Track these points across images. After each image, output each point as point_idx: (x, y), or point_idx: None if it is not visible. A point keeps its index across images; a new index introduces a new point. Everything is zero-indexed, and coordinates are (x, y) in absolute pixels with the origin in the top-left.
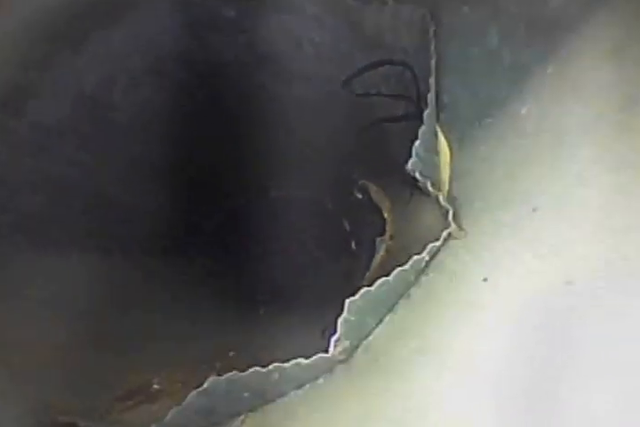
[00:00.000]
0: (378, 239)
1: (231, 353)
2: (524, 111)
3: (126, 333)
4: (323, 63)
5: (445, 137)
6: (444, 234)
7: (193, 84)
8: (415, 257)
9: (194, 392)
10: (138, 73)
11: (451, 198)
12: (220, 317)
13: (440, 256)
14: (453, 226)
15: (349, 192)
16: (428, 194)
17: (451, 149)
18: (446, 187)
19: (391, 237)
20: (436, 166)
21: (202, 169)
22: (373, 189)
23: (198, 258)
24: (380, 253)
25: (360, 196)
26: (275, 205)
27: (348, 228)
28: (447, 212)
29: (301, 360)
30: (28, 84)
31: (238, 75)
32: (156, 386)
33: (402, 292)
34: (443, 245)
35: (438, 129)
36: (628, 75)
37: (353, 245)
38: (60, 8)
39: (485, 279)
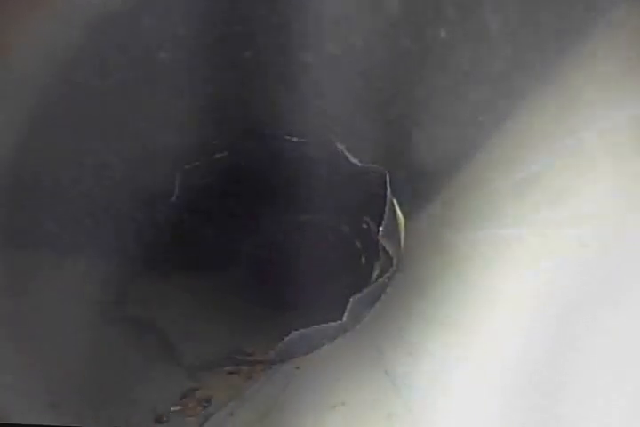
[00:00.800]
0: (375, 262)
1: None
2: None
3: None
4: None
5: (400, 210)
6: (392, 269)
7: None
8: (380, 279)
9: (287, 337)
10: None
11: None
12: (253, 320)
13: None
14: (394, 267)
15: (360, 221)
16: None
17: (405, 217)
18: (401, 243)
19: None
20: (395, 232)
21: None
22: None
23: (235, 272)
24: (376, 272)
25: (366, 226)
26: (302, 227)
27: (359, 246)
28: (392, 259)
29: (332, 324)
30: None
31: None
32: (247, 350)
33: (379, 294)
34: (395, 271)
35: (396, 205)
36: None
37: (363, 260)
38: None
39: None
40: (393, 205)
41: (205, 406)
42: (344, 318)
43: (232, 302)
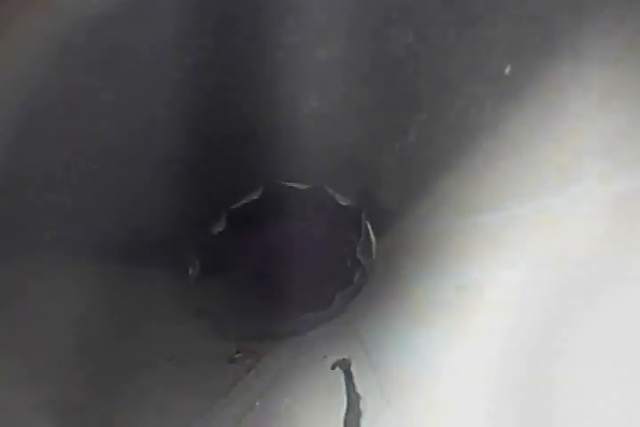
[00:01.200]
0: (355, 267)
1: None
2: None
3: None
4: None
5: (372, 231)
6: (365, 276)
7: None
8: (359, 280)
9: (295, 320)
10: None
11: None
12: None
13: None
14: (367, 275)
15: (346, 233)
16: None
17: (377, 240)
18: (373, 257)
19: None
20: (369, 250)
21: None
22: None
23: (247, 273)
24: (357, 274)
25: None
26: (296, 233)
27: (346, 251)
28: (364, 269)
29: (324, 311)
30: None
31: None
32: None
33: (358, 291)
34: (368, 277)
35: (370, 231)
36: None
37: (349, 263)
38: None
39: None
40: (368, 231)
41: (255, 355)
42: (332, 308)
43: (250, 296)
